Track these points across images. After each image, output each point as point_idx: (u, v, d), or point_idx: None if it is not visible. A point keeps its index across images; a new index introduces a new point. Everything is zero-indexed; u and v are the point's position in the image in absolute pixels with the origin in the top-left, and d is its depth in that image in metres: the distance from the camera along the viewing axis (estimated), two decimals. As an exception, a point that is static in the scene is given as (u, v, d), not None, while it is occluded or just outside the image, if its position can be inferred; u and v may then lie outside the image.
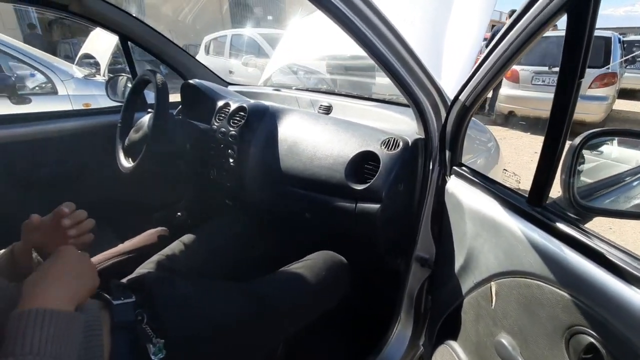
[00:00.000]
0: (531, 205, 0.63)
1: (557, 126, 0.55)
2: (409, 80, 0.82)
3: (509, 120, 5.65)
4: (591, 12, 0.47)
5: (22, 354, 0.41)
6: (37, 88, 2.94)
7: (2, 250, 0.63)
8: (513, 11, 6.69)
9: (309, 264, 0.95)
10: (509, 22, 0.58)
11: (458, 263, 0.81)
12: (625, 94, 7.33)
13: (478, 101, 0.73)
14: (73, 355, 0.47)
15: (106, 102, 1.79)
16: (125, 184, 1.31)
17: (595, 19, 0.48)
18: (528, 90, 5.27)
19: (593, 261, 0.51)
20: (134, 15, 1.51)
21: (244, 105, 1.23)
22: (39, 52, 3.03)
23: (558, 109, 0.54)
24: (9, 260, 0.61)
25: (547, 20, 0.52)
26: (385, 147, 0.94)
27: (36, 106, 2.72)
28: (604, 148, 0.78)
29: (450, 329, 0.87)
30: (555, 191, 0.61)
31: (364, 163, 0.97)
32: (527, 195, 0.65)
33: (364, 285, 1.18)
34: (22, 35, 8.56)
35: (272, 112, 1.23)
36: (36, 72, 2.87)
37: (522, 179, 3.12)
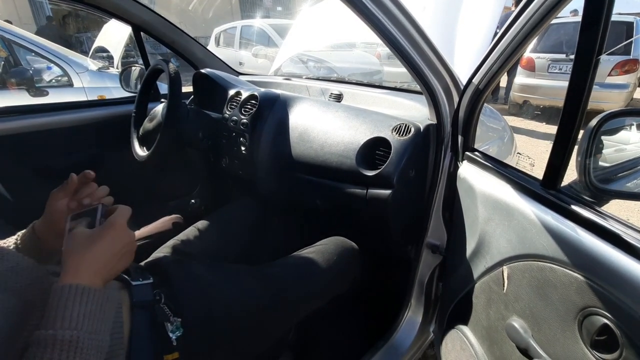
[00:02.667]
0: (545, 188, 0.62)
1: (573, 107, 0.54)
2: (421, 64, 0.81)
3: (524, 110, 5.51)
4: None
5: (61, 328, 0.43)
6: (53, 81, 3.00)
7: (23, 231, 0.64)
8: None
9: (320, 249, 0.96)
10: (524, -1, 0.57)
11: (469, 248, 0.81)
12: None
13: (492, 84, 0.72)
14: (107, 332, 0.49)
15: (120, 94, 1.82)
16: (140, 172, 1.34)
17: (615, -6, 0.47)
18: (544, 78, 5.11)
19: (609, 242, 0.50)
20: (146, 5, 1.52)
21: (255, 93, 1.23)
22: (55, 46, 3.08)
23: (575, 89, 0.53)
24: (31, 239, 0.62)
25: (564, -3, 0.51)
26: (396, 133, 0.94)
27: (53, 98, 2.79)
28: (622, 132, 0.77)
29: (461, 314, 0.87)
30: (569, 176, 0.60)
31: (375, 149, 0.97)
32: (541, 179, 0.64)
33: (374, 271, 1.18)
34: (37, 28, 8.73)
35: (282, 100, 1.23)
36: (52, 65, 2.93)
37: (537, 169, 3.06)
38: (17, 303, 0.53)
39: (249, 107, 1.23)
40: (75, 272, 0.48)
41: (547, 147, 4.09)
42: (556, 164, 0.59)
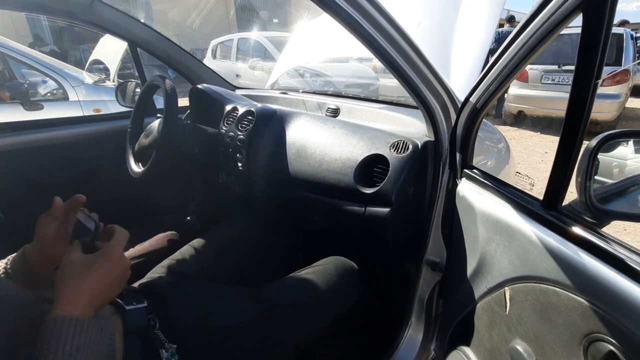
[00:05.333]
0: (546, 209, 0.62)
1: (572, 128, 0.54)
2: (417, 82, 0.82)
3: (519, 120, 5.58)
4: (608, 11, 0.46)
5: None
6: (48, 94, 2.99)
7: (13, 255, 0.62)
8: (510, 17, 6.50)
9: (319, 270, 0.94)
10: (522, 21, 0.57)
11: (470, 267, 0.80)
12: (638, 91, 7.18)
13: (489, 103, 0.72)
14: None
15: (116, 108, 1.82)
16: (135, 188, 1.32)
17: (612, 19, 0.47)
18: (537, 89, 5.19)
19: (612, 267, 0.50)
20: (142, 21, 1.53)
21: (252, 109, 1.23)
22: (50, 59, 3.08)
23: (573, 111, 0.53)
24: (21, 264, 0.61)
25: (562, 21, 0.51)
26: (394, 150, 0.93)
27: (48, 112, 2.77)
28: (620, 149, 0.77)
29: (462, 334, 0.85)
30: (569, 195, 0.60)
31: (373, 166, 0.96)
32: (541, 199, 0.64)
33: (374, 289, 1.17)
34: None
35: (279, 116, 1.23)
36: (48, 78, 2.92)
37: (534, 179, 3.07)
38: (7, 334, 0.51)
39: (245, 122, 1.23)
40: (68, 303, 0.47)
41: (542, 157, 4.13)
42: (556, 184, 0.59)
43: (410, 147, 0.91)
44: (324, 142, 1.08)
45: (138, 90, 1.75)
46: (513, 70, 0.62)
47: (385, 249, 0.99)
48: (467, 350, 0.83)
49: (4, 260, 0.62)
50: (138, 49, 1.59)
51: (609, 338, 0.49)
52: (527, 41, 0.57)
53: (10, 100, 2.72)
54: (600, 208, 0.58)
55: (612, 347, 0.48)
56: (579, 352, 0.53)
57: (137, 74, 1.74)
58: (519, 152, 4.26)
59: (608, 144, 0.60)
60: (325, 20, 1.99)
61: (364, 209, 0.94)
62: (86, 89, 3.00)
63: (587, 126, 0.52)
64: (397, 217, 0.91)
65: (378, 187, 0.91)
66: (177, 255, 1.01)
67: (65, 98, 2.91)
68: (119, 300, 0.67)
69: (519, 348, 0.64)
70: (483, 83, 0.70)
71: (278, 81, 2.08)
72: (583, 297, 0.52)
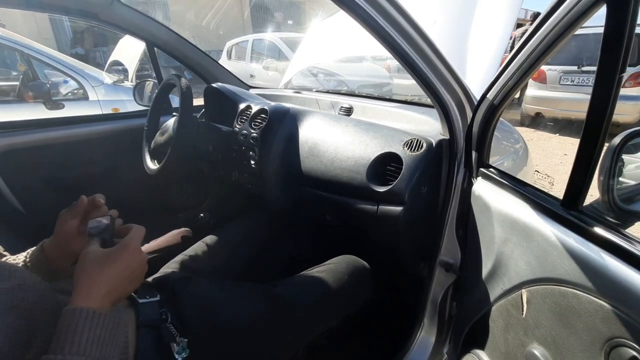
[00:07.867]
0: (566, 208, 0.60)
1: (594, 124, 0.52)
2: (433, 79, 0.80)
3: (537, 121, 5.44)
4: (633, 2, 0.44)
5: (70, 353, 0.42)
6: (69, 94, 3.07)
7: (32, 248, 0.64)
8: (537, 14, 6.39)
9: (331, 268, 0.94)
10: (542, 15, 0.55)
11: (485, 269, 0.78)
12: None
13: (507, 99, 0.70)
14: (116, 357, 0.48)
15: (134, 107, 1.86)
16: (150, 185, 1.35)
17: (637, 10, 0.45)
18: (556, 90, 5.05)
19: (636, 269, 0.47)
20: (160, 22, 1.56)
21: (265, 107, 1.23)
22: (72, 60, 3.17)
23: (596, 106, 0.51)
24: (40, 258, 0.62)
25: (584, 13, 0.49)
26: (408, 149, 0.92)
27: (69, 111, 2.85)
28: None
29: (477, 338, 0.83)
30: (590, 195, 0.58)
31: (386, 165, 0.95)
32: (561, 198, 0.62)
33: (386, 289, 1.15)
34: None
35: (292, 114, 1.23)
36: (69, 78, 3.01)
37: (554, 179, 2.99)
38: (23, 321, 0.52)
39: (259, 121, 1.23)
40: (86, 294, 0.48)
41: (560, 159, 4.02)
42: (578, 183, 0.57)
43: (425, 145, 0.90)
44: (337, 140, 1.07)
45: (155, 90, 1.78)
46: (532, 65, 0.60)
47: (398, 248, 0.97)
48: (482, 353, 0.81)
49: (24, 254, 0.64)
50: (155, 49, 1.62)
51: (632, 343, 0.47)
52: (547, 34, 0.55)
53: (33, 100, 2.80)
54: (624, 208, 0.56)
55: (635, 353, 0.46)
56: (600, 357, 0.51)
57: (154, 75, 1.78)
58: (537, 154, 4.16)
59: (632, 142, 0.58)
60: (339, 20, 1.99)
61: (376, 207, 0.93)
62: (105, 89, 3.07)
63: (611, 121, 0.50)
64: (410, 216, 0.89)
65: (391, 186, 0.90)
66: (190, 251, 1.02)
67: (85, 98, 2.99)
68: (133, 294, 0.68)
69: (536, 352, 0.62)
70: (501, 78, 0.68)
71: (291, 81, 2.09)
72: (605, 300, 0.50)
